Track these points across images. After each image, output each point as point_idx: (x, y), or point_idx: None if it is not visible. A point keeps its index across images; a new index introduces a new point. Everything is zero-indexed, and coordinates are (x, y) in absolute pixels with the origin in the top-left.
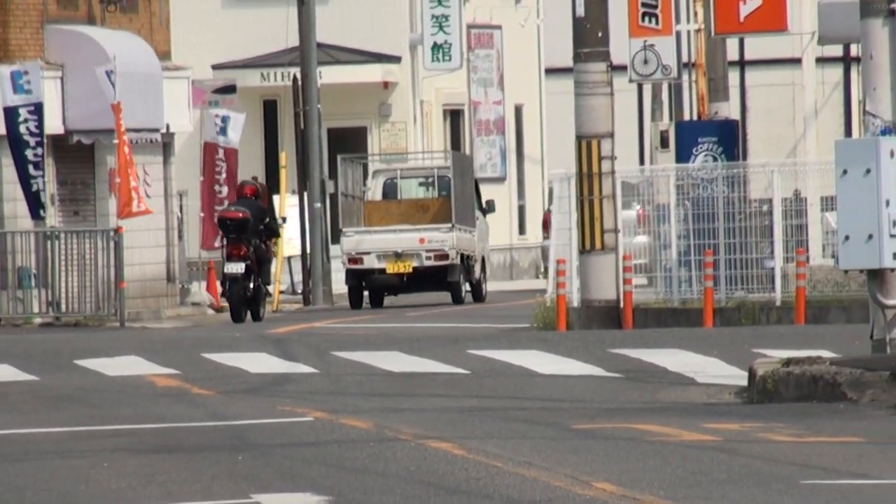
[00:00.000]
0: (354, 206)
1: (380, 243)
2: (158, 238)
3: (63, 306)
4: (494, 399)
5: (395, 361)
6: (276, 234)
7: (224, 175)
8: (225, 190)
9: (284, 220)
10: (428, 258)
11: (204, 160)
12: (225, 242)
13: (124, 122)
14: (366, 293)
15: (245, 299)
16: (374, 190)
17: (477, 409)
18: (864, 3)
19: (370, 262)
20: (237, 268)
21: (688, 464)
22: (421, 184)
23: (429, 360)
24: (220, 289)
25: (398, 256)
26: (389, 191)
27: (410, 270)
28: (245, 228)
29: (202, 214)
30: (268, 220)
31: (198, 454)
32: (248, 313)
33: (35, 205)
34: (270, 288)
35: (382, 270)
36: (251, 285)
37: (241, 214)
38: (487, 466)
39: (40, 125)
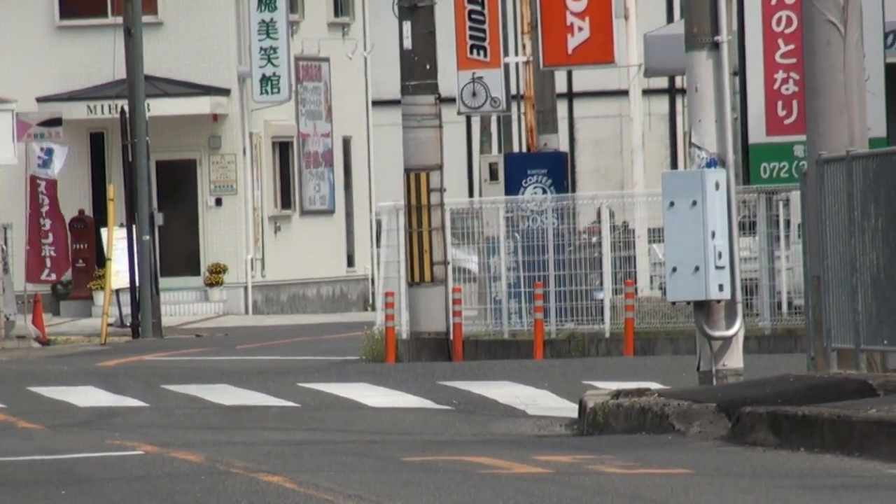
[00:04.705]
0: None
1: None
2: None
3: None
4: (324, 432)
5: (225, 394)
6: None
7: (47, 208)
8: (49, 223)
9: None
10: None
11: (29, 193)
12: None
13: None
14: None
15: None
16: None
17: (307, 443)
18: (689, 36)
19: None
20: None
21: (519, 496)
22: None
23: (259, 394)
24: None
25: None
26: None
27: None
28: None
29: (28, 247)
30: None
31: (24, 488)
32: None
33: None
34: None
35: None
36: None
37: None
38: (318, 499)
39: None
